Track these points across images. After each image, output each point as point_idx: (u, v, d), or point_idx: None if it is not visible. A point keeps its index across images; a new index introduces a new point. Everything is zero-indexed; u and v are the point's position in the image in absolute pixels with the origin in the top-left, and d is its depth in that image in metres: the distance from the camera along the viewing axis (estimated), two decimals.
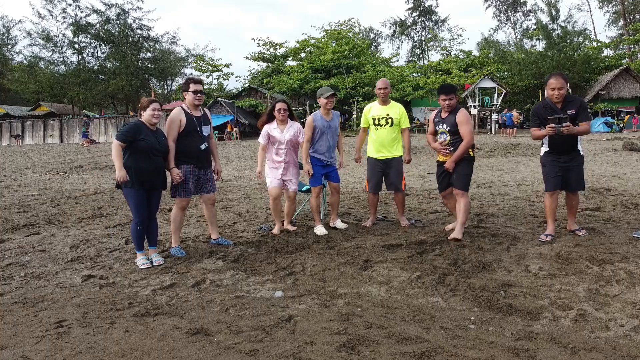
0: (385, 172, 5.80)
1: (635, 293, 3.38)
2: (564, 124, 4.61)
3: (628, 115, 31.69)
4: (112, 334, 2.95)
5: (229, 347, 2.72)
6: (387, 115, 5.69)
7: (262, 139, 5.59)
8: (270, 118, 5.63)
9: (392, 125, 5.68)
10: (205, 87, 40.42)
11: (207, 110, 5.20)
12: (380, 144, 5.73)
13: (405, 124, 5.79)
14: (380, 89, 5.72)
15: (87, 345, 2.79)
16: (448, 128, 5.12)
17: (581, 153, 4.98)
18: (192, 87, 4.87)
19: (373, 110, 5.80)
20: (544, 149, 5.06)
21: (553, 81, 4.77)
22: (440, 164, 5.39)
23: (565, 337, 2.75)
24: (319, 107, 5.79)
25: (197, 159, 4.90)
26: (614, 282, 3.59)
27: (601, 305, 3.21)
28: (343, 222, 5.95)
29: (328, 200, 6.20)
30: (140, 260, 4.50)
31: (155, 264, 4.46)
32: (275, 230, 5.58)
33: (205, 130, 5.01)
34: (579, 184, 5.00)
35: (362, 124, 5.95)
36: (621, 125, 29.94)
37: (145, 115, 4.51)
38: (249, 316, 3.18)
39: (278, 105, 5.57)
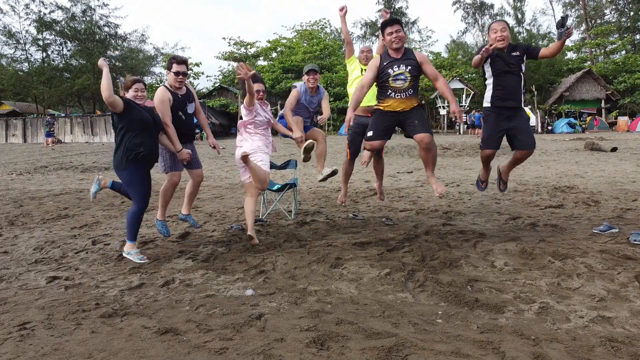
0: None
1: (594, 286, 3.51)
2: (568, 26, 4.26)
3: (590, 117, 32.77)
4: (78, 335, 2.90)
5: (198, 345, 2.71)
6: None
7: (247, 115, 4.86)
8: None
9: None
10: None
11: (190, 87, 4.99)
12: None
13: None
14: (363, 52, 5.71)
15: (52, 347, 2.73)
16: (409, 68, 4.43)
17: (527, 114, 4.75)
18: (175, 67, 4.65)
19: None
20: (485, 104, 4.74)
21: (495, 24, 4.59)
22: (384, 113, 4.59)
23: (528, 329, 2.84)
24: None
25: (179, 134, 4.73)
26: (575, 276, 3.71)
27: (562, 298, 3.32)
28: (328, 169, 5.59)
29: (316, 152, 5.84)
30: (134, 252, 4.28)
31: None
32: (253, 234, 4.89)
33: (190, 108, 4.87)
34: (530, 141, 4.62)
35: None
36: (583, 126, 30.93)
37: (128, 96, 4.30)
38: (219, 315, 3.17)
39: (256, 86, 4.95)
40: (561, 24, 4.34)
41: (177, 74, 4.66)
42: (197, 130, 33.82)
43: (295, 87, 5.65)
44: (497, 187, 5.42)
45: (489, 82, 4.69)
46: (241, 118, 5.13)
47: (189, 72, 38.36)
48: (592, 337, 2.71)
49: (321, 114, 5.76)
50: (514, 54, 4.57)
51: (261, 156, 4.86)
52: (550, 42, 40.85)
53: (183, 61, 4.72)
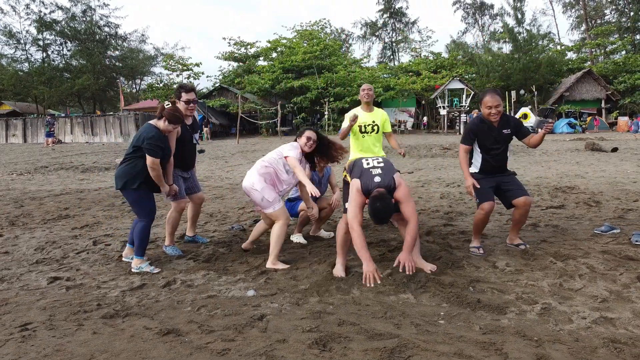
0: None
1: (596, 287, 3.51)
2: (549, 120, 4.34)
3: (590, 117, 32.72)
4: (80, 336, 2.89)
5: (200, 346, 2.70)
6: (373, 122, 5.51)
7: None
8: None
9: (377, 132, 5.51)
10: (175, 86, 40.23)
11: (196, 115, 4.97)
12: (366, 149, 5.49)
13: (388, 128, 5.68)
14: (364, 90, 5.57)
15: (53, 348, 2.72)
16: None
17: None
18: (184, 96, 4.64)
19: (359, 117, 5.47)
20: (473, 170, 4.65)
21: (489, 99, 4.33)
22: None
23: (531, 330, 2.84)
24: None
25: (183, 164, 4.81)
26: (577, 277, 3.71)
27: (565, 299, 3.32)
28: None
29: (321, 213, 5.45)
30: (145, 265, 4.21)
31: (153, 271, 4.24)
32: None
33: (195, 138, 4.94)
34: (521, 189, 4.50)
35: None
36: (584, 126, 30.86)
37: (164, 126, 4.22)
38: (220, 316, 3.17)
39: (308, 133, 4.47)
40: (544, 114, 4.28)
41: (187, 102, 4.65)
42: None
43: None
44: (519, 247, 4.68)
45: (477, 155, 4.58)
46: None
47: (190, 72, 38.08)
48: (594, 338, 2.71)
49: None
50: (504, 131, 4.43)
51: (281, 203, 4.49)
52: (549, 43, 40.92)
53: (192, 89, 4.71)
